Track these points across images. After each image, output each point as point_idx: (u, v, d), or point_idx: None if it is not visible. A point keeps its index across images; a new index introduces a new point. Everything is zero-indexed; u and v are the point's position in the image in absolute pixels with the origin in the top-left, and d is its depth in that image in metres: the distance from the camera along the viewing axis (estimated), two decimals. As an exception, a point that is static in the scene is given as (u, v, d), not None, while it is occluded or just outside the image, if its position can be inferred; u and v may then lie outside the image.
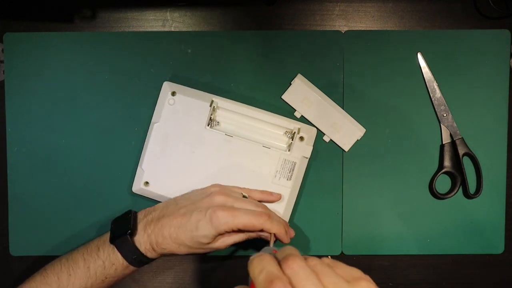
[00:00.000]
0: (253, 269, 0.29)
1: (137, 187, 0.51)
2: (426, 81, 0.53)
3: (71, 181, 0.53)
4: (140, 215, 0.46)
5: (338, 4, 0.54)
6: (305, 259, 0.30)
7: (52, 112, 0.53)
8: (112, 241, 0.43)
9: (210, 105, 0.50)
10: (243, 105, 0.51)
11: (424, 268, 0.54)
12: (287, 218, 0.51)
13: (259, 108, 0.51)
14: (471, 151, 0.52)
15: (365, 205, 0.53)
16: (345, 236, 0.53)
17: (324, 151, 0.53)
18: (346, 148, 0.52)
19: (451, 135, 0.53)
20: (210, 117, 0.51)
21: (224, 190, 0.46)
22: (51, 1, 0.53)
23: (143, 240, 0.43)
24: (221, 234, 0.42)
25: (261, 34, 0.53)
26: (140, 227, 0.44)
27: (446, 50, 0.53)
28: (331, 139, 0.52)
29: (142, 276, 0.54)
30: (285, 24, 0.54)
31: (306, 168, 0.51)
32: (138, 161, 0.51)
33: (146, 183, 0.51)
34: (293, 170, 0.51)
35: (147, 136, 0.51)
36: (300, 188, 0.51)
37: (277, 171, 0.51)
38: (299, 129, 0.51)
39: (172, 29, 0.54)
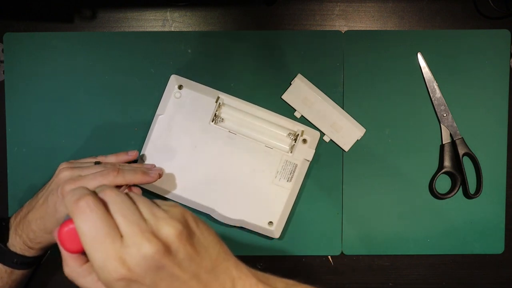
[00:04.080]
0: (67, 201, 0.29)
1: None
2: (426, 81, 0.53)
3: (71, 181, 0.53)
4: (12, 220, 0.46)
5: (338, 4, 0.54)
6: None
7: (52, 112, 0.53)
8: None
9: (216, 101, 0.50)
10: (249, 103, 0.51)
11: (424, 268, 0.54)
12: (284, 220, 0.51)
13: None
14: (471, 151, 0.52)
15: (365, 205, 0.53)
16: (345, 236, 0.53)
17: (324, 151, 0.53)
18: (346, 148, 0.52)
19: (451, 135, 0.53)
20: (215, 113, 0.51)
21: (69, 164, 0.45)
22: (51, 1, 0.53)
23: (16, 242, 0.44)
24: None
25: (261, 34, 0.53)
26: (11, 232, 0.44)
27: (446, 50, 0.53)
28: (331, 139, 0.52)
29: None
30: (285, 24, 0.54)
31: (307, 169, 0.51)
32: (138, 161, 0.51)
33: None
34: (294, 172, 0.51)
35: (150, 127, 0.51)
36: (300, 189, 0.51)
37: (277, 171, 0.51)
38: (302, 132, 0.51)
39: (172, 29, 0.54)
